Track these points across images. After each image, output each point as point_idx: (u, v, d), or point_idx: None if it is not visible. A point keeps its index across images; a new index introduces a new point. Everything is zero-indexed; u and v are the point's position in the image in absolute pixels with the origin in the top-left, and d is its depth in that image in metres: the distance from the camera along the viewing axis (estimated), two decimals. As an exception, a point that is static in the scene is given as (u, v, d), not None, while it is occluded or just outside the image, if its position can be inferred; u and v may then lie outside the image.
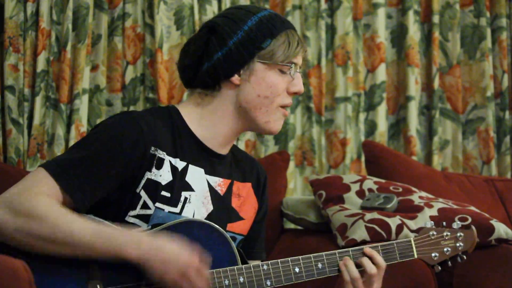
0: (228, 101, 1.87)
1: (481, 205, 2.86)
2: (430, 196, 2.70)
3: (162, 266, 1.68)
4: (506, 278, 2.43)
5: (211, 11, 3.15)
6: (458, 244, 1.97)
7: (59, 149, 2.88)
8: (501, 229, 2.55)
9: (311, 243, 2.65)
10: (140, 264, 1.68)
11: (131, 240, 1.68)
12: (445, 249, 1.96)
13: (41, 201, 1.67)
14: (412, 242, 1.94)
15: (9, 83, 2.83)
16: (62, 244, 1.66)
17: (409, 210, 2.57)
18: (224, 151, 1.92)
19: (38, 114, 2.87)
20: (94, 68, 3.02)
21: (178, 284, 1.69)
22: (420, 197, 2.65)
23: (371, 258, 1.88)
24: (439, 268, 1.97)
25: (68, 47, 2.90)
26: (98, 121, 3.01)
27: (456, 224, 1.99)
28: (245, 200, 1.97)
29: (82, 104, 2.94)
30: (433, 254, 1.95)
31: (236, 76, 1.85)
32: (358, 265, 1.87)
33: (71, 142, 2.89)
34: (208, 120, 1.88)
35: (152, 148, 1.78)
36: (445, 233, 1.97)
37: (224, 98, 1.87)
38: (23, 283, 1.52)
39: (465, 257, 1.98)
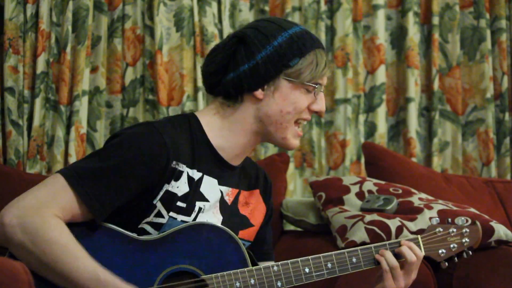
0: (249, 114, 1.87)
1: (480, 206, 2.85)
2: (430, 197, 2.70)
3: None
4: (505, 280, 2.43)
5: (211, 12, 3.15)
6: (464, 240, 1.98)
7: (58, 151, 2.88)
8: (500, 230, 2.55)
9: (311, 244, 2.65)
10: None
11: None
12: (451, 245, 1.97)
13: (52, 226, 1.66)
14: (420, 240, 1.96)
15: (9, 84, 2.84)
16: (58, 275, 1.66)
17: (409, 211, 2.57)
18: (237, 162, 1.92)
19: (38, 115, 2.87)
20: (93, 69, 3.02)
21: None
22: (420, 199, 2.65)
23: (410, 248, 1.90)
24: (446, 264, 1.98)
25: (68, 49, 2.91)
26: (98, 122, 3.01)
27: (461, 221, 2.00)
28: (254, 207, 1.98)
29: (82, 106, 2.94)
30: (440, 251, 1.96)
31: (260, 90, 1.84)
32: (397, 256, 1.90)
33: (71, 144, 2.89)
34: (228, 131, 1.87)
35: (174, 162, 1.78)
36: (451, 230, 1.98)
37: (246, 111, 1.87)
38: (22, 285, 1.52)
39: (470, 252, 1.99)
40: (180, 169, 1.80)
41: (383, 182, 2.78)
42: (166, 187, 1.78)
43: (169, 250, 1.76)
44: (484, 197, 3.05)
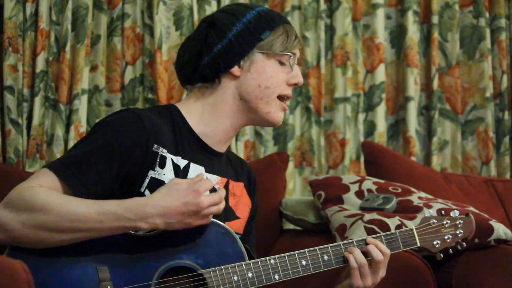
0: (229, 93, 1.88)
1: (480, 205, 2.86)
2: (429, 196, 2.70)
3: (180, 217, 1.70)
4: (505, 279, 2.43)
5: (210, 11, 3.14)
6: (458, 232, 2.00)
7: (58, 150, 2.87)
8: (500, 229, 2.55)
9: (310, 243, 2.63)
10: (160, 228, 1.71)
11: (137, 215, 1.68)
12: (446, 237, 1.99)
13: (38, 191, 1.67)
14: (414, 231, 1.97)
15: (8, 83, 2.84)
16: (70, 231, 1.66)
17: (408, 210, 2.57)
18: (222, 148, 1.93)
19: (37, 114, 2.87)
20: (93, 68, 3.02)
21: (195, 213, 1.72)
22: (419, 198, 2.65)
23: (375, 246, 1.90)
24: (441, 256, 1.99)
25: (67, 48, 2.91)
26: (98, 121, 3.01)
27: (453, 213, 2.02)
28: (239, 199, 1.99)
29: (81, 105, 2.94)
30: (434, 242, 1.98)
31: (236, 67, 1.87)
32: (364, 254, 1.89)
33: (70, 143, 2.89)
34: (209, 115, 1.89)
35: (155, 146, 1.79)
36: (445, 221, 2.00)
37: (225, 91, 1.88)
38: (22, 284, 1.51)
39: (464, 244, 2.01)
40: (163, 154, 1.80)
41: (382, 181, 2.78)
42: (151, 174, 1.79)
43: (167, 246, 1.76)
44: (483, 196, 3.06)
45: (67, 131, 2.92)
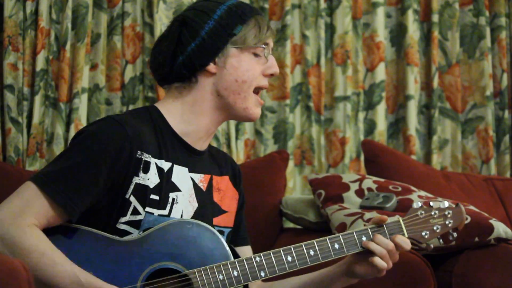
0: (207, 91, 1.89)
1: (480, 204, 2.85)
2: (429, 195, 2.70)
3: None
4: (505, 278, 2.43)
5: (211, 10, 3.14)
6: (447, 222, 1.99)
7: (58, 148, 2.88)
8: (500, 228, 2.54)
9: (310, 242, 2.65)
10: None
11: None
12: (435, 227, 1.97)
13: (29, 235, 1.67)
14: (401, 222, 1.95)
15: (8, 82, 2.84)
16: (40, 283, 1.65)
17: (408, 209, 2.57)
18: (204, 146, 1.94)
19: (38, 113, 2.88)
20: (93, 67, 3.02)
21: None
22: (419, 197, 2.65)
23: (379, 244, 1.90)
24: (431, 246, 1.98)
25: (68, 46, 2.91)
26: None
27: (442, 204, 2.01)
28: (225, 193, 1.99)
29: (82, 103, 2.94)
30: (423, 233, 1.96)
31: (211, 64, 1.87)
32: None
33: (71, 141, 2.89)
34: (189, 114, 1.89)
35: (138, 152, 1.79)
36: (433, 212, 1.99)
37: (202, 88, 1.89)
38: (22, 282, 1.51)
39: (455, 234, 2.00)
40: (147, 159, 1.80)
41: (382, 180, 2.78)
42: (136, 179, 1.78)
43: (150, 249, 1.76)
44: (483, 194, 3.06)
45: (67, 129, 2.92)
